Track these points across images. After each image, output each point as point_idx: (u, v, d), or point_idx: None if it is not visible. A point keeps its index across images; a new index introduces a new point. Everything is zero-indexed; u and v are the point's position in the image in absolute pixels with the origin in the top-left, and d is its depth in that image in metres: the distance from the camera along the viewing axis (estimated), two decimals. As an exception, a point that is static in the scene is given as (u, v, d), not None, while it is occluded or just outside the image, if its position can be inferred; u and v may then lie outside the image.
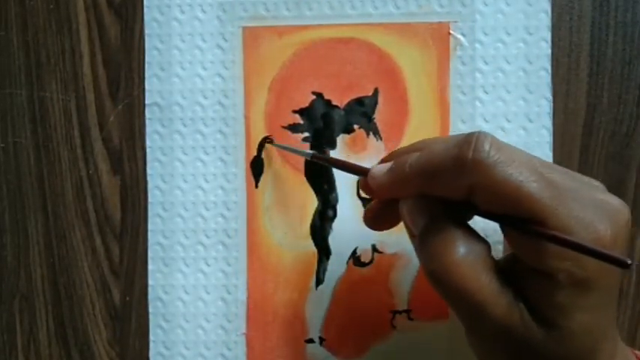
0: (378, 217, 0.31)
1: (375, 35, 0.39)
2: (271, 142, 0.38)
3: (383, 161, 0.30)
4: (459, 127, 0.38)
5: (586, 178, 0.27)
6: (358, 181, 0.38)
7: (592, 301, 0.24)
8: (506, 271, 0.26)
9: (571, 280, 0.24)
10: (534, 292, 0.25)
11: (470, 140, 0.24)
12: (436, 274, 0.25)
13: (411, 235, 0.28)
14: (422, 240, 0.27)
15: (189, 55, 0.39)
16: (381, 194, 0.29)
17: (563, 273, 0.24)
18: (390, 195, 0.29)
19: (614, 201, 0.25)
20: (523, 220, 0.24)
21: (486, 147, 0.24)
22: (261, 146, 0.39)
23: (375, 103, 0.39)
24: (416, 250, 0.28)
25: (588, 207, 0.24)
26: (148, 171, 0.39)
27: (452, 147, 0.25)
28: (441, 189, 0.26)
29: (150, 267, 0.39)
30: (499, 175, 0.24)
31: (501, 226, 0.26)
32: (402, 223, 0.30)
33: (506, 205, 0.24)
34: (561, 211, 0.23)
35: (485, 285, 0.24)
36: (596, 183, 0.27)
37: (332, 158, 0.33)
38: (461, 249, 0.25)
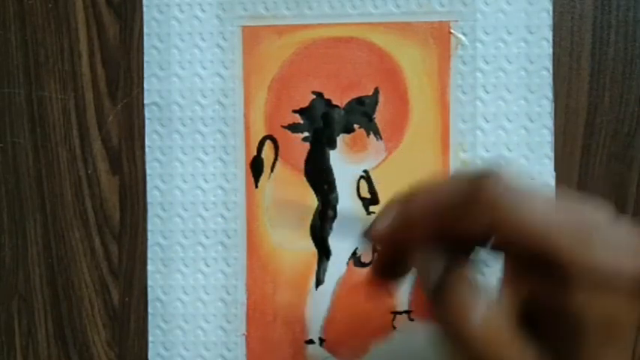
0: (387, 267, 0.28)
1: (376, 34, 0.38)
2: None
3: (381, 214, 0.27)
4: (459, 127, 0.38)
5: (602, 211, 0.26)
6: (358, 182, 0.38)
7: (618, 345, 0.23)
8: (520, 317, 0.24)
9: (598, 325, 0.23)
10: (556, 340, 0.23)
11: (485, 175, 0.23)
12: (456, 339, 0.24)
13: (425, 290, 0.27)
14: (436, 297, 0.25)
15: (188, 54, 0.39)
16: (388, 245, 0.27)
17: (590, 317, 0.23)
18: (398, 244, 0.27)
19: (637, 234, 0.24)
20: (547, 260, 0.23)
21: (504, 182, 0.23)
22: (260, 146, 0.39)
23: (376, 102, 0.38)
24: (429, 308, 0.26)
25: (612, 244, 0.23)
26: (147, 171, 0.39)
27: (464, 182, 0.24)
28: (455, 230, 0.24)
29: (149, 267, 0.39)
30: (520, 211, 0.23)
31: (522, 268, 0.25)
32: None
33: (530, 244, 0.23)
34: (586, 252, 0.22)
35: (509, 345, 0.23)
36: (612, 214, 0.26)
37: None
38: (482, 308, 0.23)
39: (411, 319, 0.38)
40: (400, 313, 0.38)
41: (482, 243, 0.24)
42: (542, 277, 0.23)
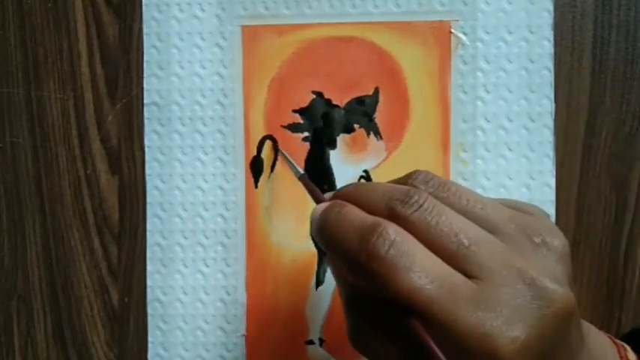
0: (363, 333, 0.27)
1: (376, 34, 0.38)
2: (277, 146, 0.38)
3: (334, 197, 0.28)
4: (460, 127, 0.38)
5: (541, 250, 0.24)
6: (359, 181, 0.38)
7: None
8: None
9: None
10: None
11: (371, 234, 0.23)
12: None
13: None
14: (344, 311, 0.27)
15: (188, 53, 0.39)
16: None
17: None
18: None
19: (553, 289, 0.23)
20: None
21: (385, 246, 0.23)
22: (260, 146, 0.39)
23: (376, 102, 0.38)
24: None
25: (498, 309, 0.22)
26: (147, 171, 0.39)
27: (357, 233, 0.24)
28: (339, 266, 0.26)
29: (148, 268, 0.39)
30: (394, 279, 0.23)
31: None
32: None
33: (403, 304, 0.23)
34: (456, 319, 0.22)
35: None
36: (549, 256, 0.24)
37: (313, 188, 0.32)
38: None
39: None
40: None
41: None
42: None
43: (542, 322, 0.22)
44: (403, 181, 0.26)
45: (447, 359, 0.22)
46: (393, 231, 0.23)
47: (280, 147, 0.38)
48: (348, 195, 0.26)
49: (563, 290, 0.23)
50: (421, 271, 0.23)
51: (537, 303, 0.22)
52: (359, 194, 0.26)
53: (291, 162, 0.36)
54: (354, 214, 0.25)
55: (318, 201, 0.29)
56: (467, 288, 0.22)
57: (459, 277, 0.23)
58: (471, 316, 0.22)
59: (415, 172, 0.26)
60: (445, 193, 0.25)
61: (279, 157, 0.39)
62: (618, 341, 0.29)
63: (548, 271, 0.23)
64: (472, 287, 0.22)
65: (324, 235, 0.26)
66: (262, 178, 0.39)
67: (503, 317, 0.22)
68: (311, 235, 0.27)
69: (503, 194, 0.38)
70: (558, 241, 0.24)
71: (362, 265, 0.23)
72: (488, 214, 0.24)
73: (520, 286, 0.22)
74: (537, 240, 0.24)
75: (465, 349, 0.22)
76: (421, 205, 0.24)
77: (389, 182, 0.27)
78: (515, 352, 0.21)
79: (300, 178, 0.33)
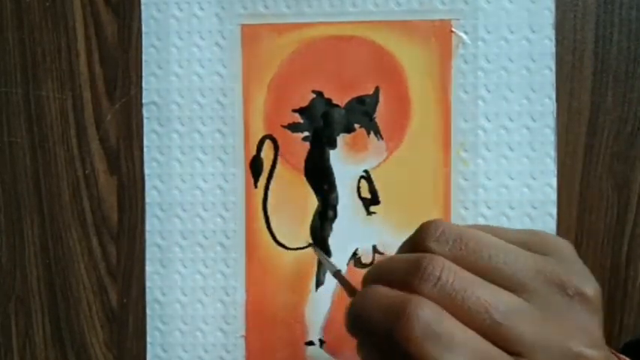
0: None
1: (376, 33, 0.38)
2: (312, 243, 0.38)
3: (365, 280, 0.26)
4: (460, 126, 0.38)
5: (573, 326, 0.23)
6: (359, 181, 0.38)
7: None
8: None
9: None
10: None
11: (402, 314, 0.22)
12: None
13: None
14: None
15: (187, 53, 0.39)
16: None
17: None
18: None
19: (592, 355, 0.22)
20: None
21: (420, 326, 0.21)
22: (260, 145, 0.38)
23: (376, 101, 0.38)
24: None
25: None
26: (146, 171, 0.39)
27: (386, 314, 0.22)
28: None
29: (147, 268, 0.39)
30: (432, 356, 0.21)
31: None
32: None
33: None
34: None
35: None
36: (584, 310, 0.23)
37: (347, 282, 0.30)
38: None
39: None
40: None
41: None
42: None
43: None
44: (414, 242, 0.24)
45: None
46: (424, 308, 0.22)
47: (280, 146, 0.38)
48: (373, 276, 0.25)
49: (598, 354, 0.22)
50: (461, 348, 0.21)
51: None
52: (380, 273, 0.24)
53: (326, 259, 0.35)
54: (380, 294, 0.23)
55: (352, 294, 0.27)
56: None
57: (499, 354, 0.22)
58: None
59: (424, 227, 0.24)
60: (463, 251, 0.23)
61: (279, 158, 0.38)
62: (622, 356, 0.28)
63: (585, 333, 0.22)
64: None
65: (355, 322, 0.24)
66: (262, 178, 0.38)
67: None
68: (348, 329, 0.26)
69: (504, 194, 0.37)
70: (590, 287, 0.23)
71: (396, 348, 0.22)
72: (514, 271, 0.23)
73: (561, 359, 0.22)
74: (570, 292, 0.23)
75: None
76: (439, 278, 0.22)
77: (402, 244, 0.25)
78: None
79: (335, 274, 0.32)
